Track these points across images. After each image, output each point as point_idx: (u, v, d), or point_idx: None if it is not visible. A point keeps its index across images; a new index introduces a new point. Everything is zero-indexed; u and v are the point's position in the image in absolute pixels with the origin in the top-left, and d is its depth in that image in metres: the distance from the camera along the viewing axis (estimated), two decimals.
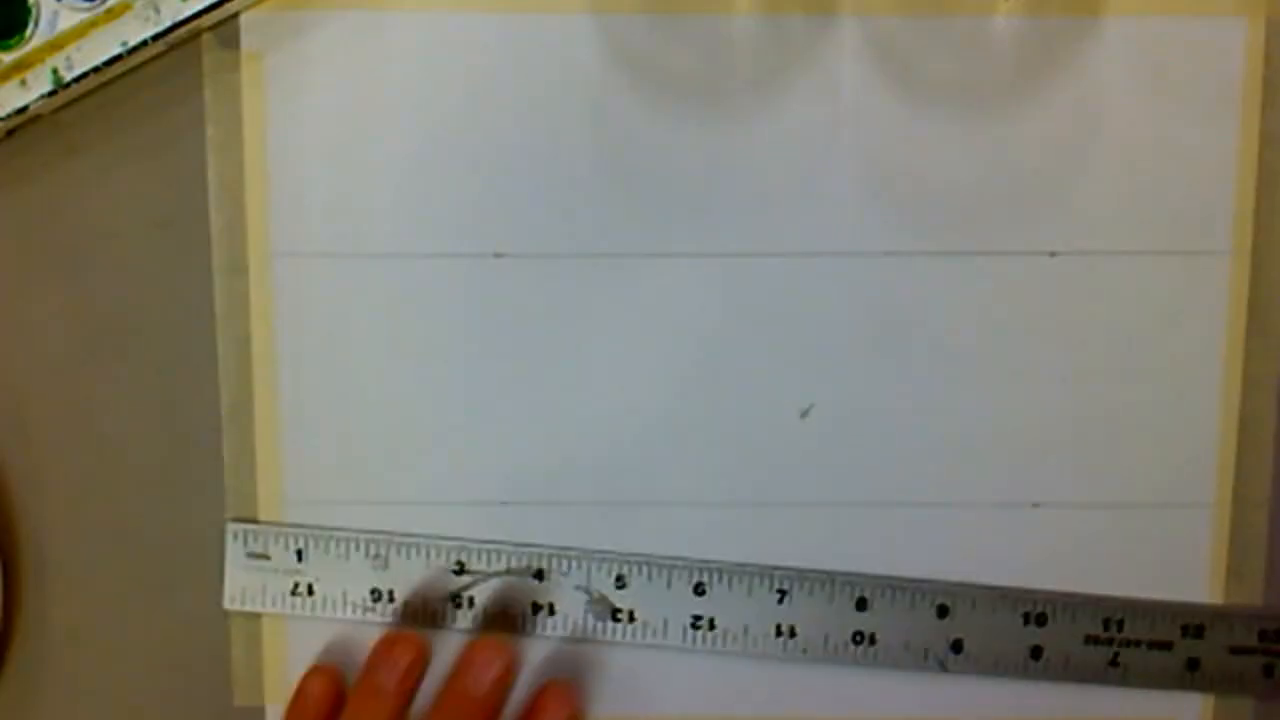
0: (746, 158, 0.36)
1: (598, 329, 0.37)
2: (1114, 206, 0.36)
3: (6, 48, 0.34)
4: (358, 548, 0.37)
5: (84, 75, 0.34)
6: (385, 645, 0.35)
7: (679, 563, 0.37)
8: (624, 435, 0.37)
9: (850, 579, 0.37)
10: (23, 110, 0.34)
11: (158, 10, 0.34)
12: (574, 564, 0.37)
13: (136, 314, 0.37)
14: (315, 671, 0.36)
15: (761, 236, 0.36)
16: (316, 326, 0.37)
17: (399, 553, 0.37)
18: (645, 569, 0.37)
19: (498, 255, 0.37)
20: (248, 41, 0.36)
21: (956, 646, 0.37)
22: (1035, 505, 0.37)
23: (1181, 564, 0.37)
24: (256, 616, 0.37)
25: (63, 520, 0.38)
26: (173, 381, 0.37)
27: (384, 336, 0.37)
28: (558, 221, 0.36)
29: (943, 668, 0.37)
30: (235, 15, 0.35)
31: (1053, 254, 0.37)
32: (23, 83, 0.34)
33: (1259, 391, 0.37)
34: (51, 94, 0.34)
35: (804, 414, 0.37)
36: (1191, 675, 0.37)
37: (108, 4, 0.34)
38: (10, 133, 0.36)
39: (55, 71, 0.34)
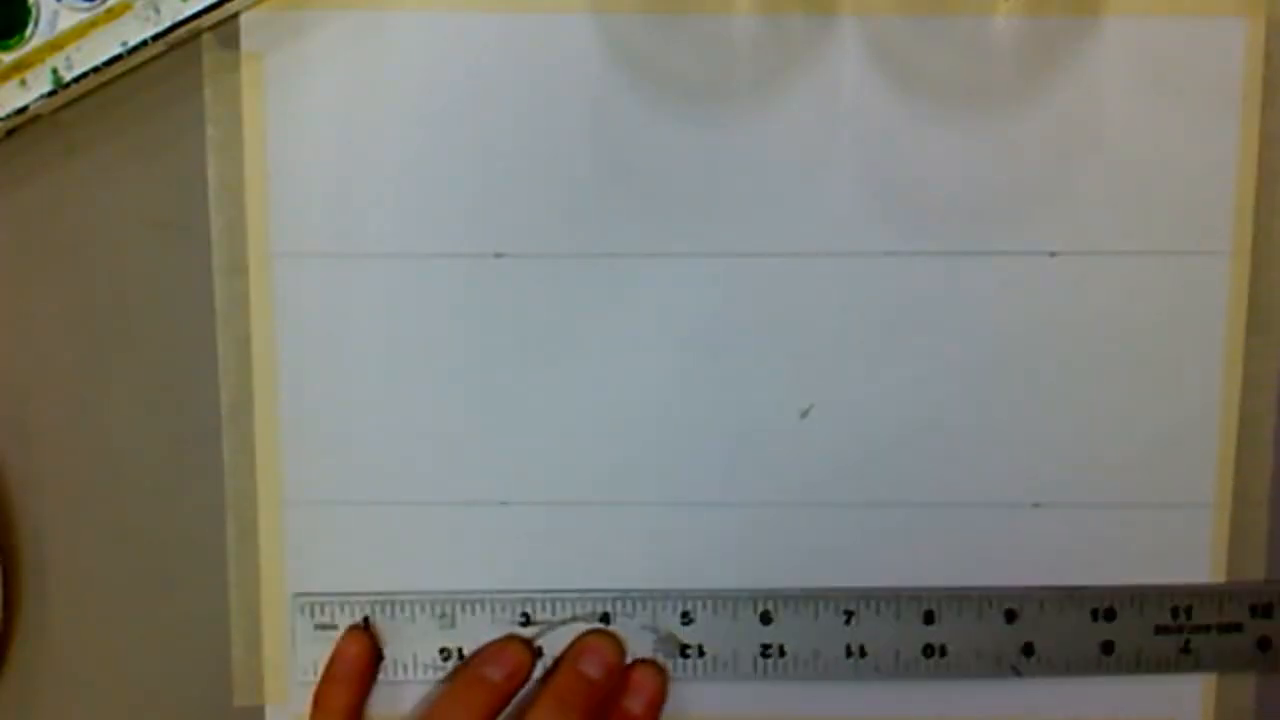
0: (746, 158, 0.36)
1: (598, 329, 0.37)
2: (1114, 206, 0.36)
3: (6, 48, 0.34)
4: (423, 609, 0.37)
5: (84, 75, 0.34)
6: (498, 645, 0.37)
7: (743, 594, 0.37)
8: (624, 435, 0.37)
9: (916, 593, 0.37)
10: (23, 110, 0.34)
11: (158, 10, 0.34)
12: (638, 604, 0.37)
13: (136, 314, 0.37)
14: (351, 633, 0.37)
15: (761, 236, 0.36)
16: (316, 326, 0.37)
17: (464, 609, 0.37)
18: (710, 603, 0.37)
19: (498, 255, 0.37)
20: (248, 41, 0.36)
21: (1028, 650, 0.37)
22: (1035, 505, 0.37)
23: (1182, 564, 0.37)
24: (256, 617, 0.37)
25: (63, 520, 0.38)
26: (173, 381, 0.37)
27: (384, 336, 0.37)
28: (558, 221, 0.36)
29: (1016, 673, 0.37)
30: (235, 15, 0.35)
31: (1053, 254, 0.37)
32: (23, 83, 0.34)
33: (1259, 391, 0.37)
34: (51, 94, 0.34)
35: (804, 414, 0.37)
36: (1264, 655, 0.37)
37: (108, 4, 0.34)
38: (10, 133, 0.36)
39: (55, 71, 0.34)
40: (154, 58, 0.35)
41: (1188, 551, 0.37)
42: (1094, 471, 0.37)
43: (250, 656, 0.38)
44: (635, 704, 0.36)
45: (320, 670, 0.37)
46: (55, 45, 0.34)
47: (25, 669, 0.38)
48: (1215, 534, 0.37)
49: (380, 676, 0.37)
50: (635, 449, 0.37)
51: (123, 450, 0.37)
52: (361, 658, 0.37)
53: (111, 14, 0.34)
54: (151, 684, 0.38)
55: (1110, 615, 0.37)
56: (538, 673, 0.37)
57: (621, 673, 0.37)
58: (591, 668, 0.36)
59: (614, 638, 0.37)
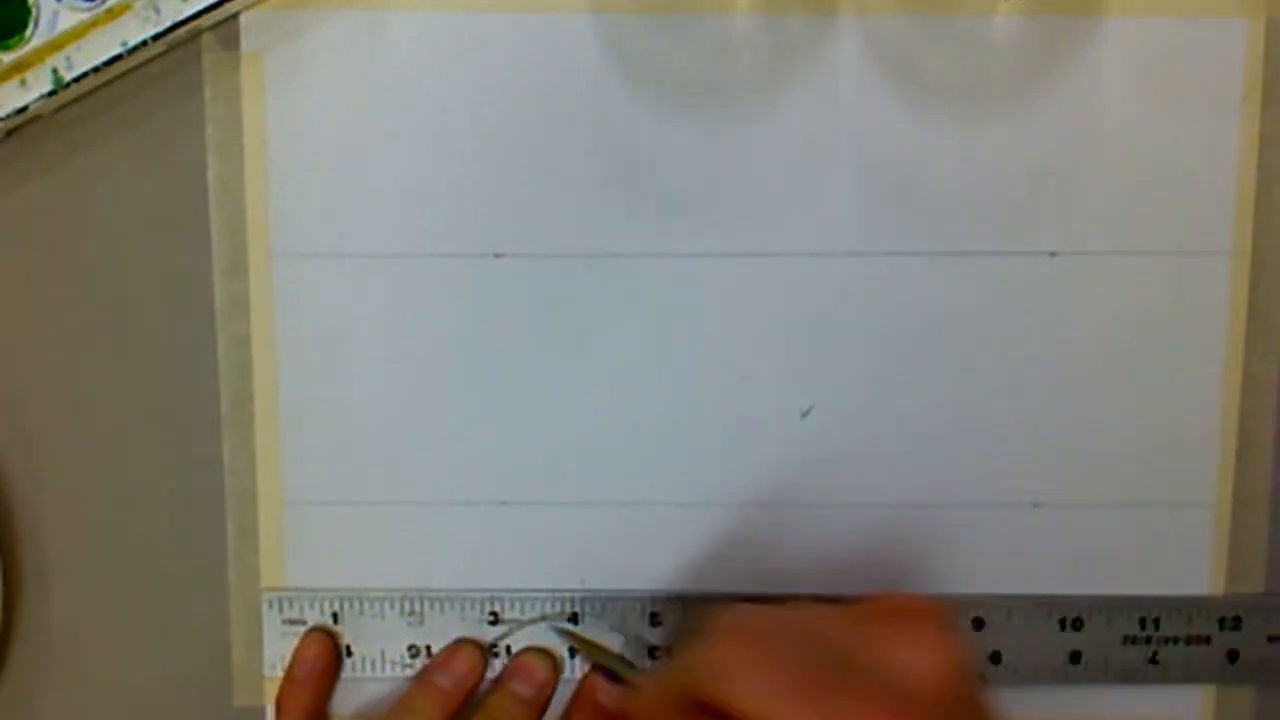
0: (746, 158, 0.36)
1: (598, 329, 0.37)
2: (1114, 206, 0.36)
3: (6, 48, 0.34)
4: (392, 605, 0.37)
5: (84, 75, 0.34)
6: (448, 652, 0.37)
7: (713, 596, 0.37)
8: (623, 435, 0.37)
9: None
10: (23, 110, 0.34)
11: (158, 10, 0.34)
12: (607, 605, 0.37)
13: (136, 314, 0.37)
14: (311, 635, 0.37)
15: (761, 236, 0.36)
16: (316, 326, 0.37)
17: (433, 607, 0.37)
18: (680, 604, 0.37)
19: (498, 255, 0.37)
20: (248, 41, 0.36)
21: (995, 658, 0.37)
22: (1035, 505, 0.37)
23: (1182, 563, 0.37)
24: (257, 617, 0.37)
25: (63, 520, 0.38)
26: (173, 381, 0.37)
27: (384, 336, 0.37)
28: (558, 221, 0.36)
29: (982, 680, 0.37)
30: (235, 15, 0.35)
31: (1053, 254, 0.37)
32: (23, 83, 0.34)
33: (1259, 391, 0.37)
34: (51, 94, 0.34)
35: (804, 414, 0.37)
36: (1233, 667, 0.37)
37: (108, 4, 0.34)
38: (10, 133, 0.36)
39: (55, 71, 0.34)
40: (154, 58, 0.35)
41: (1188, 552, 0.37)
42: (1094, 471, 0.37)
43: (250, 656, 0.38)
44: (523, 688, 0.37)
45: (286, 665, 0.37)
46: (55, 45, 0.34)
47: (25, 669, 0.38)
48: (1215, 534, 0.37)
49: (348, 673, 0.37)
50: (635, 449, 0.37)
51: (123, 450, 0.37)
52: (321, 659, 0.37)
53: (111, 14, 0.34)
54: (151, 684, 0.38)
55: (1078, 625, 0.37)
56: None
57: (555, 687, 0.37)
58: (524, 687, 0.37)
59: (546, 656, 0.37)
